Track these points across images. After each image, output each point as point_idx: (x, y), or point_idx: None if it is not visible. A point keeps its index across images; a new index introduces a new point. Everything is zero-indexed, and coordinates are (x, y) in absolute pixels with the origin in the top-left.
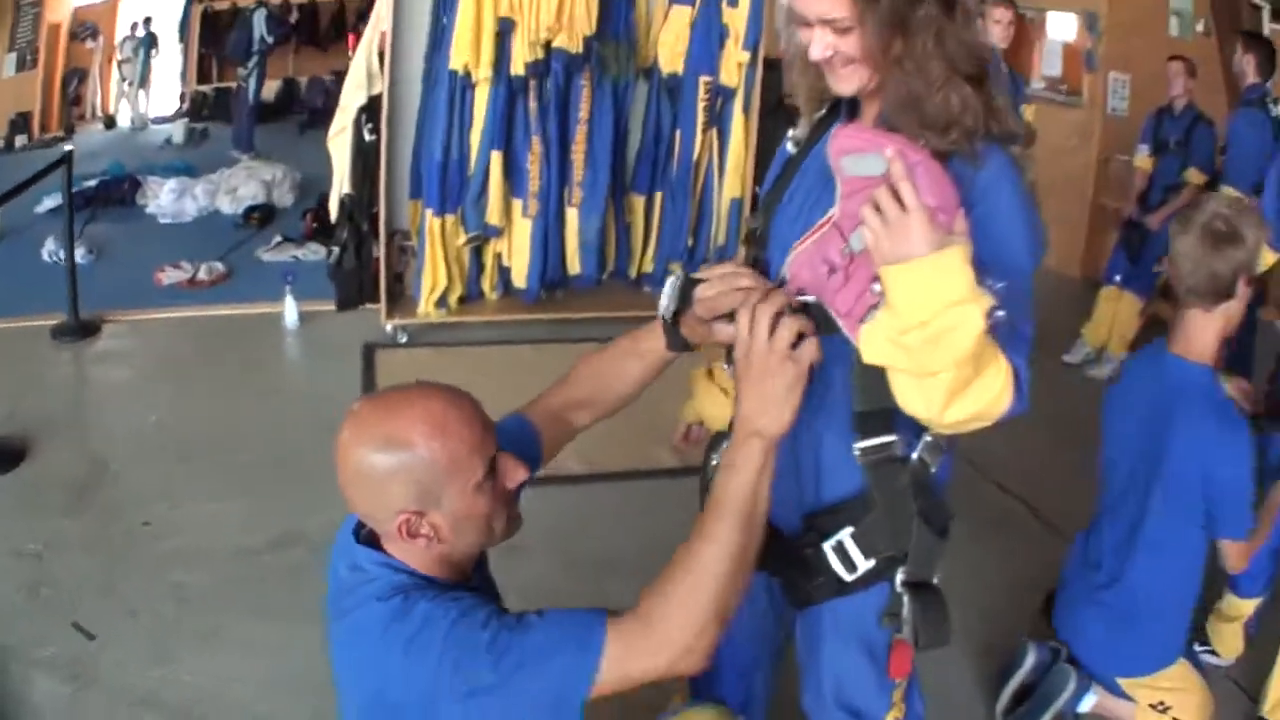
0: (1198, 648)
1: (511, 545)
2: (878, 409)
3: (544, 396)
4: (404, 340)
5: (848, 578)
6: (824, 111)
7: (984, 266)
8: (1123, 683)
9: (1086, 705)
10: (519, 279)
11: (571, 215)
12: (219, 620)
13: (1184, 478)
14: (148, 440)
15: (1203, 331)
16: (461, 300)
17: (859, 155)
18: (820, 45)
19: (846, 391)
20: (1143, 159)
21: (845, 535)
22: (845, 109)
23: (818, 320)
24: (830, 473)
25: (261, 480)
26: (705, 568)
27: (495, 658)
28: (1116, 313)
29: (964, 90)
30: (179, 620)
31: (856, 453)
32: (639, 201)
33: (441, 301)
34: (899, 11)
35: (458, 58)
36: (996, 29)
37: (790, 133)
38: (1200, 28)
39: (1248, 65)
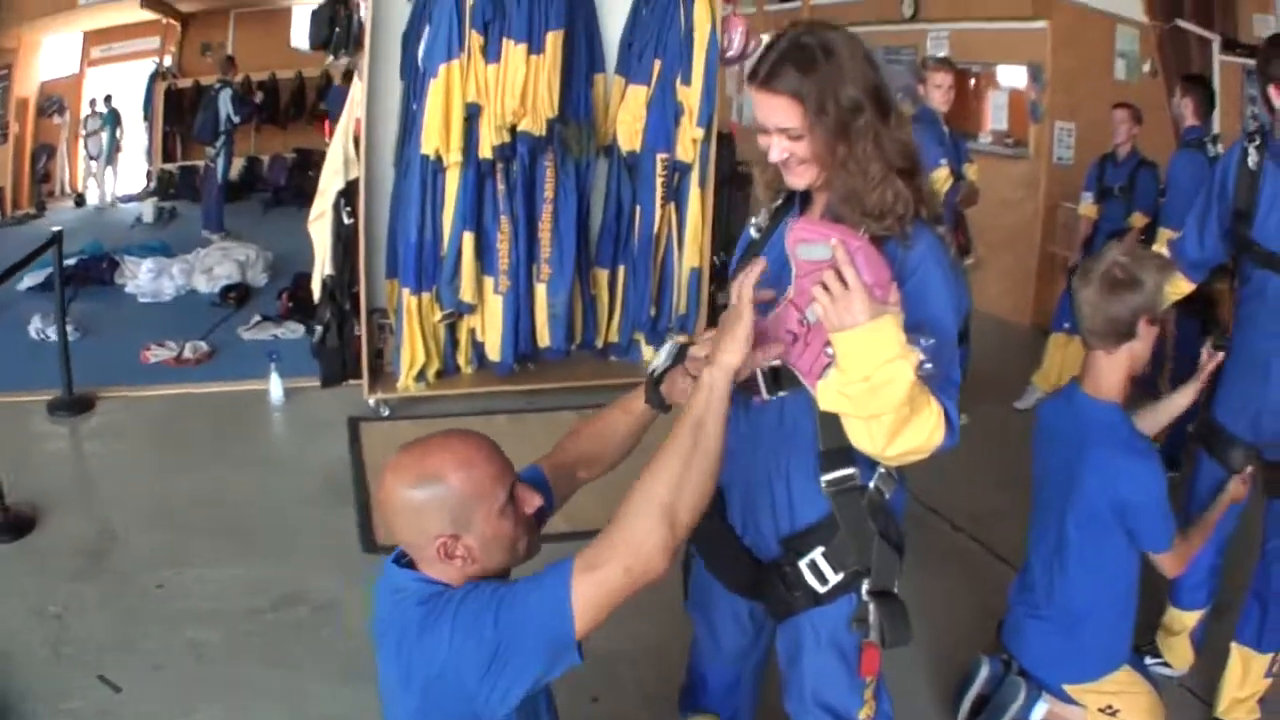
0: (1150, 660)
1: None
2: (838, 447)
3: (552, 453)
4: (386, 414)
5: (821, 590)
6: (780, 201)
7: (917, 327)
8: (1070, 690)
9: (1038, 714)
10: (493, 353)
11: (540, 290)
12: (236, 672)
13: (1093, 506)
14: (151, 510)
15: (1109, 372)
16: (439, 374)
17: (810, 244)
18: (778, 149)
19: (809, 436)
20: (1087, 206)
21: (817, 554)
22: (799, 200)
23: (784, 377)
24: (800, 503)
25: (261, 547)
26: (654, 474)
27: (494, 615)
28: (1065, 358)
29: (898, 185)
30: (199, 673)
31: (823, 484)
32: (603, 275)
33: (420, 376)
34: (842, 121)
35: (429, 143)
36: (937, 93)
37: (753, 220)
38: (1147, 69)
39: (1185, 108)
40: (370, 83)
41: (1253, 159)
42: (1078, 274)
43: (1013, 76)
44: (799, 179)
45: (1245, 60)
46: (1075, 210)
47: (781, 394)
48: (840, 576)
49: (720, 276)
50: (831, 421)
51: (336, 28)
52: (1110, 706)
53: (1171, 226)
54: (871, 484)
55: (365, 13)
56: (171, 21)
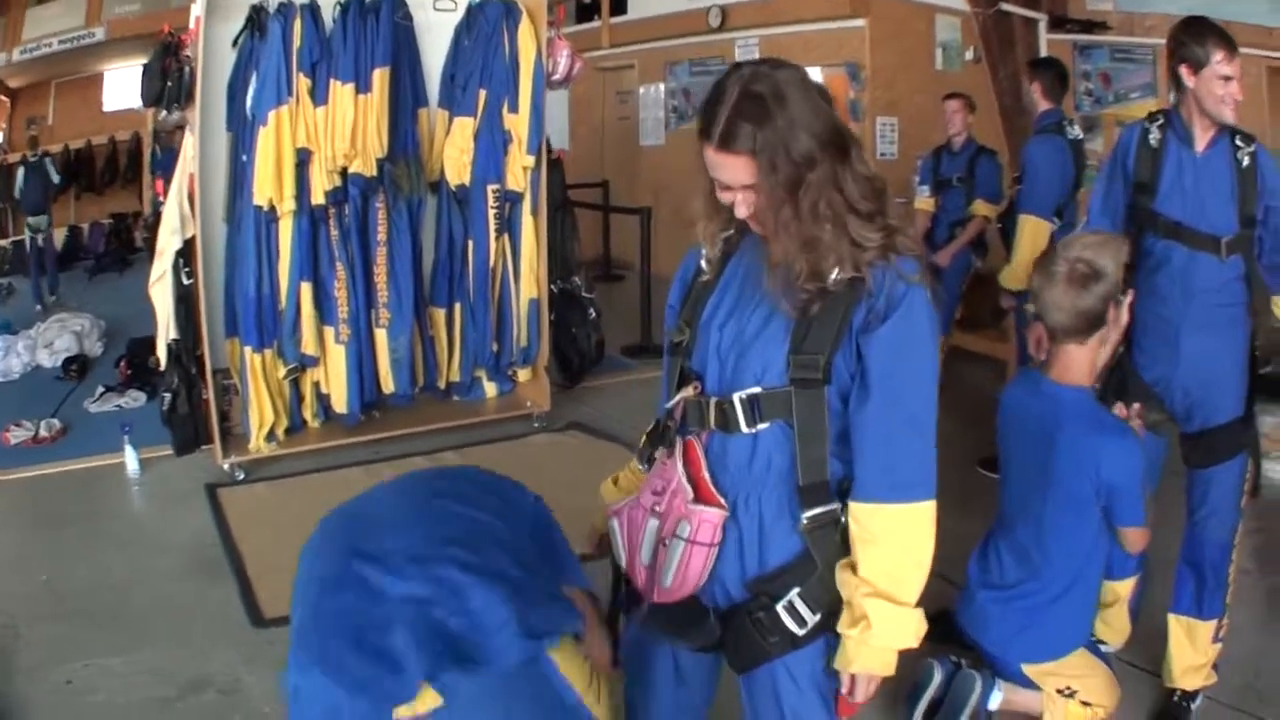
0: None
1: None
2: (819, 481)
3: None
4: (241, 477)
5: (800, 633)
6: (730, 231)
7: (890, 376)
8: (1029, 671)
9: (994, 703)
10: (339, 404)
11: (381, 336)
12: None
13: (1072, 488)
14: (44, 600)
15: (1081, 361)
16: (288, 431)
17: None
18: (744, 206)
19: (784, 471)
20: (924, 200)
21: (794, 595)
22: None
23: (765, 408)
24: (771, 542)
25: (153, 630)
26: None
27: None
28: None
29: (860, 230)
30: None
31: (804, 522)
32: (440, 314)
33: (270, 435)
34: (794, 179)
35: (261, 193)
36: None
37: (703, 253)
38: (970, 55)
39: (1037, 93)
40: (202, 136)
41: (1154, 137)
42: (1038, 274)
43: (819, 78)
44: (759, 226)
45: (1075, 37)
46: (908, 205)
47: (761, 426)
48: (818, 617)
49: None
50: (813, 455)
51: (168, 81)
52: (1068, 687)
53: (1034, 212)
54: (843, 518)
55: (196, 64)
56: (2, 99)
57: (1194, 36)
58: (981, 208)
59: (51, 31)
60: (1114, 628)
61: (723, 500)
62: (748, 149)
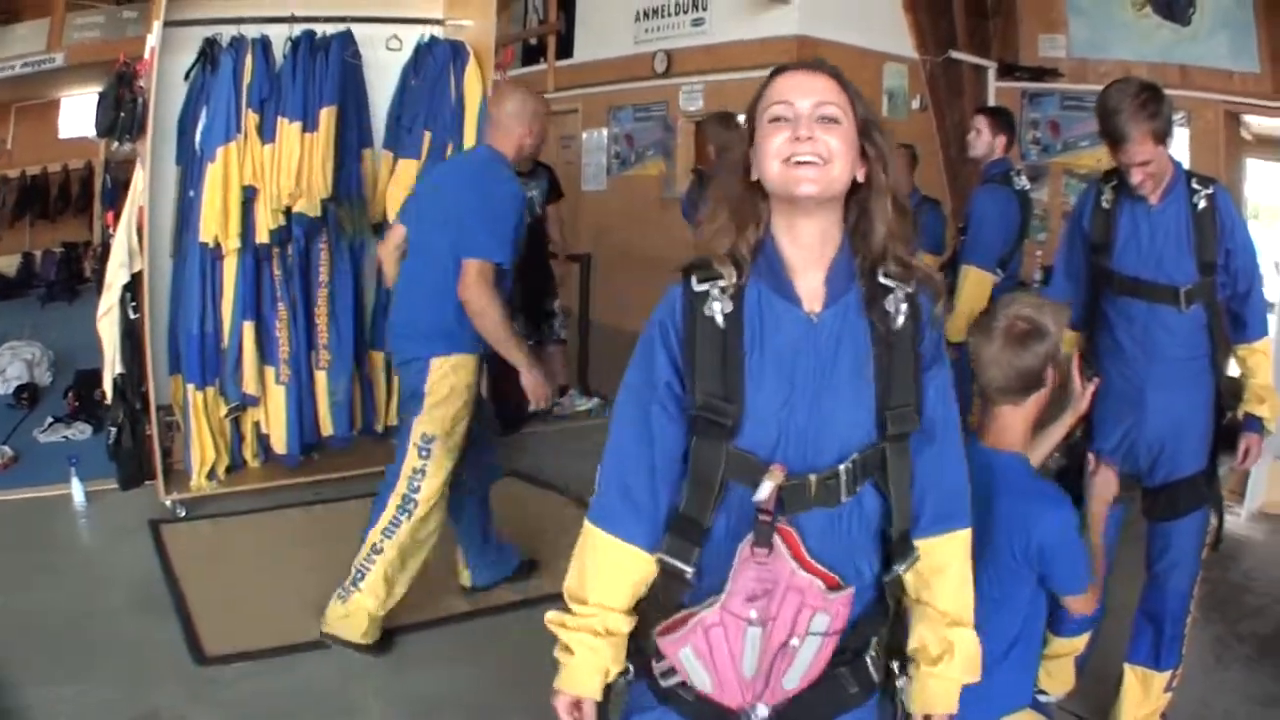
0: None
1: None
2: (905, 530)
3: None
4: (183, 514)
5: (877, 679)
6: (738, 279)
7: (944, 423)
8: None
9: None
10: (278, 445)
11: (321, 378)
12: None
13: (1005, 556)
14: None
15: (1015, 424)
16: (229, 470)
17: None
18: (815, 138)
19: (873, 530)
20: None
21: (874, 646)
22: (768, 257)
23: (863, 468)
24: (858, 599)
25: (102, 664)
26: None
27: None
28: None
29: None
30: None
31: (892, 575)
32: (379, 357)
33: (211, 474)
34: (867, 123)
35: (207, 230)
36: None
37: (715, 294)
38: (916, 104)
39: (999, 145)
40: (152, 169)
41: (1106, 198)
42: (975, 331)
43: None
44: (818, 181)
45: (1025, 85)
46: None
47: (859, 489)
48: (895, 664)
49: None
50: (904, 503)
51: (121, 112)
52: None
53: (977, 263)
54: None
55: (149, 96)
56: None
57: (1100, 119)
58: (927, 260)
59: (16, 54)
60: (1058, 679)
61: (838, 579)
62: (831, 72)
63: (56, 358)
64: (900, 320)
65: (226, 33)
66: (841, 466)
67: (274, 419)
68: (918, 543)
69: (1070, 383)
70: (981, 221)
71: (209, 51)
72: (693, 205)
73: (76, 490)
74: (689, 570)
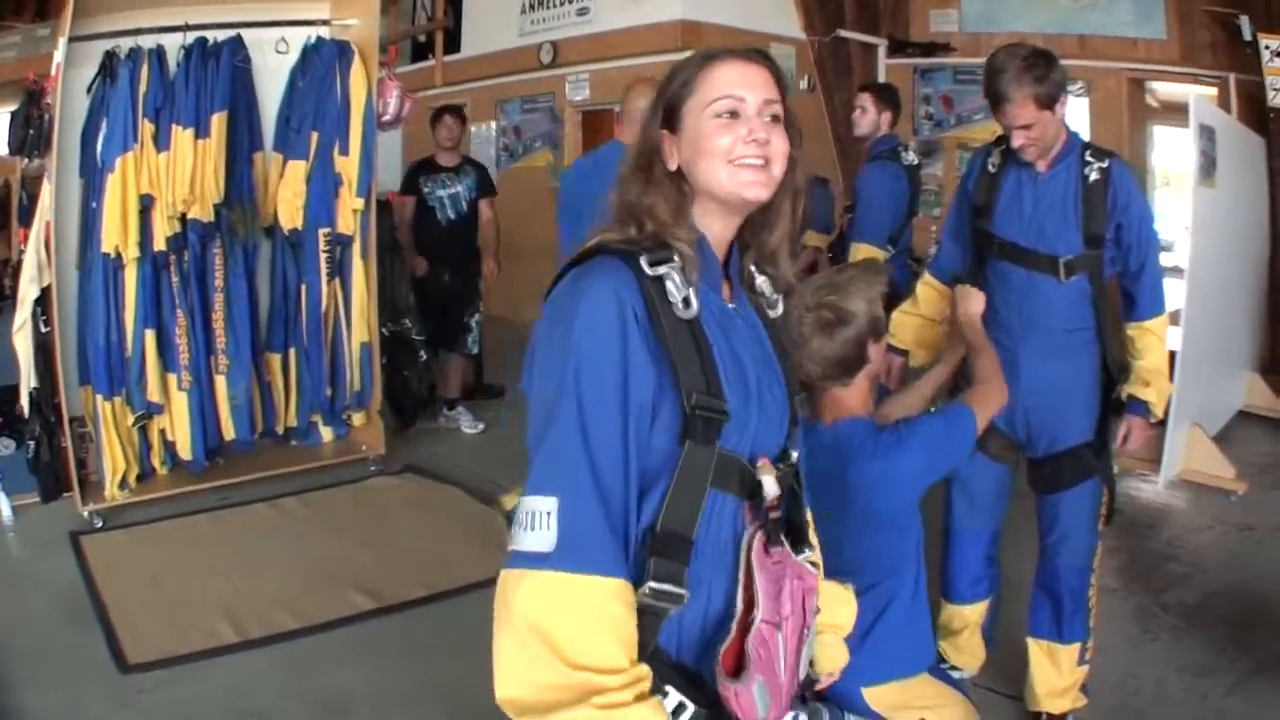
0: (942, 668)
1: None
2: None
3: None
4: (100, 525)
5: None
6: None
7: None
8: (873, 699)
9: None
10: (184, 451)
11: (220, 382)
12: None
13: (870, 510)
14: None
15: (848, 400)
16: (139, 479)
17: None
18: (760, 130)
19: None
20: None
21: None
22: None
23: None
24: None
25: (28, 674)
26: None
27: None
28: None
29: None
30: None
31: (805, 555)
32: (275, 359)
33: (123, 483)
34: (791, 113)
35: (109, 240)
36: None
37: (677, 279)
38: (804, 85)
39: (884, 121)
40: (58, 183)
41: (994, 161)
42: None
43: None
44: (767, 185)
45: (916, 61)
46: None
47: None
48: None
49: (394, 344)
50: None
51: (31, 129)
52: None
53: (866, 240)
54: None
55: (55, 111)
56: None
57: (985, 80)
58: (813, 238)
59: None
60: (966, 653)
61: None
62: (768, 63)
63: None
64: (779, 310)
65: (125, 45)
66: (794, 453)
67: (178, 425)
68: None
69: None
70: (870, 199)
71: (108, 64)
72: None
73: (2, 504)
74: (685, 594)
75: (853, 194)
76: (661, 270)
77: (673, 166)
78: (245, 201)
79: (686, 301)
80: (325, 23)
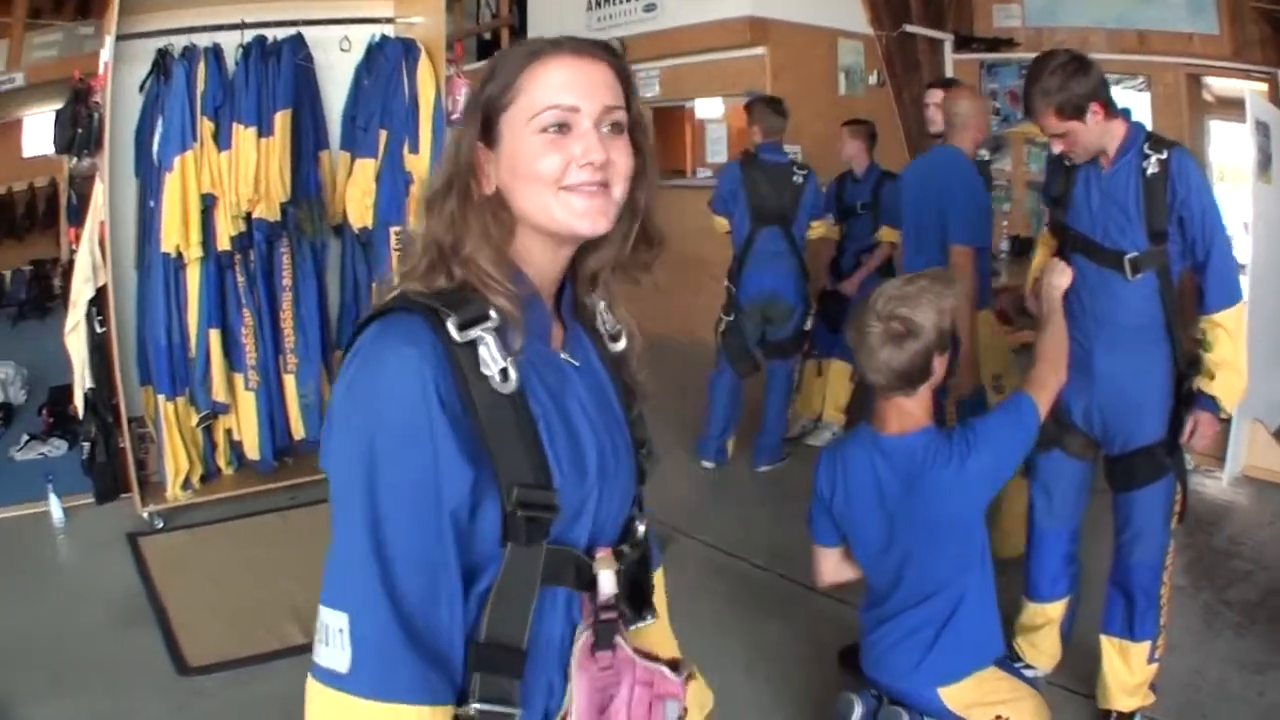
0: (1016, 666)
1: None
2: None
3: None
4: (160, 525)
5: None
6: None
7: None
8: (949, 698)
9: None
10: (251, 451)
11: (289, 382)
12: None
13: (942, 515)
14: None
15: (912, 410)
16: (203, 479)
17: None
18: (595, 147)
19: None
20: (829, 227)
21: None
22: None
23: None
24: None
25: (81, 680)
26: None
27: None
28: (828, 381)
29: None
30: None
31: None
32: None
33: (186, 483)
34: (636, 123)
35: (168, 240)
36: None
37: (488, 354)
38: (873, 80)
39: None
40: (111, 183)
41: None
42: (851, 331)
43: (708, 109)
44: (606, 214)
45: (982, 56)
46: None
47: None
48: None
49: None
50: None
51: (79, 128)
52: (999, 717)
53: (961, 241)
54: None
55: (105, 110)
56: None
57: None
58: (887, 234)
59: None
60: (1043, 651)
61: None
62: (609, 59)
63: (30, 376)
64: (622, 344)
65: (178, 43)
66: (641, 528)
67: (245, 425)
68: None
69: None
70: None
71: (161, 62)
72: (729, 192)
73: (54, 507)
74: (517, 712)
75: None
76: (474, 334)
77: (490, 190)
78: (312, 200)
79: (505, 374)
80: (389, 20)
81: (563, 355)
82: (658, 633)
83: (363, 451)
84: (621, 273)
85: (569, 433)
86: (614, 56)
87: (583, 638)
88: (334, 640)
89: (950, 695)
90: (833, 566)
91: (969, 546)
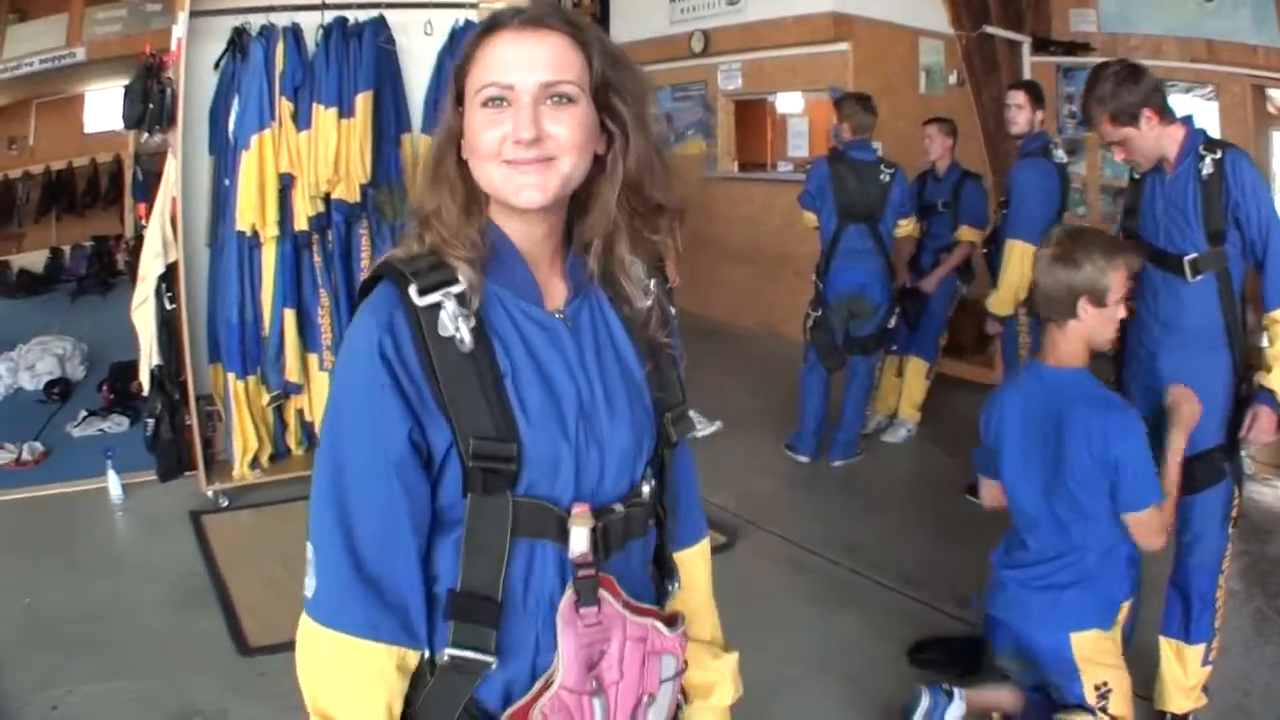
0: None
1: None
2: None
3: None
4: (225, 504)
5: None
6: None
7: None
8: (1079, 644)
9: (954, 713)
10: None
11: None
12: None
13: (1084, 464)
14: (25, 626)
15: (1062, 343)
16: (272, 458)
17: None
18: (528, 119)
19: (651, 548)
20: (909, 225)
21: None
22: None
23: None
24: None
25: (138, 658)
26: None
27: None
28: (906, 378)
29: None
30: None
31: (670, 597)
32: None
33: (254, 463)
34: (608, 86)
35: (244, 218)
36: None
37: (450, 316)
38: (953, 79)
39: (1037, 119)
40: (184, 160)
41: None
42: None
43: (789, 103)
44: (543, 189)
45: (1059, 59)
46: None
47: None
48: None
49: None
50: (673, 514)
51: (149, 104)
52: (1105, 684)
53: (1022, 237)
54: None
55: (178, 86)
56: None
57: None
58: (967, 233)
59: (32, 50)
60: None
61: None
62: (562, 27)
63: (90, 351)
64: (647, 301)
65: (255, 21)
66: (645, 487)
67: (318, 406)
68: (675, 556)
69: None
70: (1024, 195)
71: (238, 40)
72: (818, 189)
73: (113, 483)
74: (492, 660)
75: (1005, 190)
76: (434, 298)
77: (466, 156)
78: (393, 183)
79: (469, 330)
80: (473, 5)
81: (557, 315)
82: (693, 604)
83: (332, 405)
84: (635, 239)
85: (544, 386)
86: (571, 25)
87: (567, 594)
88: (309, 569)
89: (1080, 641)
90: (994, 494)
91: (1093, 499)
